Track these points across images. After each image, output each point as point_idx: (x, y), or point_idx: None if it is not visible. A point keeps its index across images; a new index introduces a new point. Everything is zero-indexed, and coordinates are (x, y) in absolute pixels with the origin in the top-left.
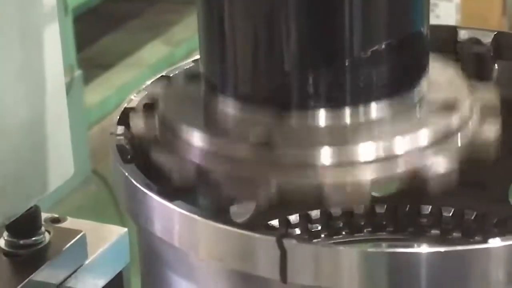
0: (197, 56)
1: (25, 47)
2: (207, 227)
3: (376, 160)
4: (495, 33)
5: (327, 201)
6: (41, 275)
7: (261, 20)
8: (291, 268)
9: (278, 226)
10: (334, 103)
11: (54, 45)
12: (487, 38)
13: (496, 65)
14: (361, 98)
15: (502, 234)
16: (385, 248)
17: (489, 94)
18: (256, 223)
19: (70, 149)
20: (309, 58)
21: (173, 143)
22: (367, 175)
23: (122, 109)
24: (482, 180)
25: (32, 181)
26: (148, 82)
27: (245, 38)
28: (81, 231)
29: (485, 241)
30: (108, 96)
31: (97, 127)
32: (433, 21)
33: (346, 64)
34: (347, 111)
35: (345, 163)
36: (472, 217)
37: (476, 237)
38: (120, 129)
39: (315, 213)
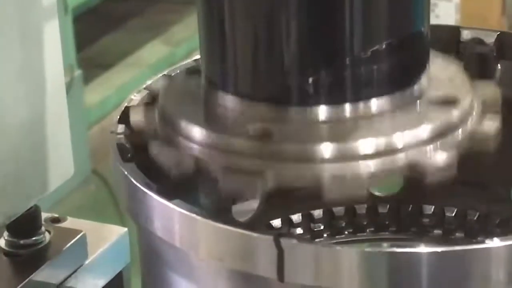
0: (198, 56)
1: (25, 47)
2: (207, 227)
3: (376, 154)
4: (498, 33)
5: (326, 194)
6: (41, 275)
7: (261, 20)
8: (290, 267)
9: (280, 226)
10: (334, 101)
11: (54, 45)
12: (490, 38)
13: (499, 65)
14: (361, 94)
15: (504, 234)
16: (384, 248)
17: (490, 90)
18: (258, 223)
19: (70, 149)
20: (309, 58)
21: (172, 137)
22: (367, 169)
23: (123, 108)
24: (484, 180)
25: (32, 181)
26: (149, 82)
27: (245, 37)
28: (81, 231)
29: (485, 241)
30: (108, 96)
31: (97, 127)
32: (432, 21)
33: (346, 63)
34: (347, 107)
35: (345, 157)
36: (475, 217)
37: (478, 237)
38: (121, 128)
39: (317, 213)
